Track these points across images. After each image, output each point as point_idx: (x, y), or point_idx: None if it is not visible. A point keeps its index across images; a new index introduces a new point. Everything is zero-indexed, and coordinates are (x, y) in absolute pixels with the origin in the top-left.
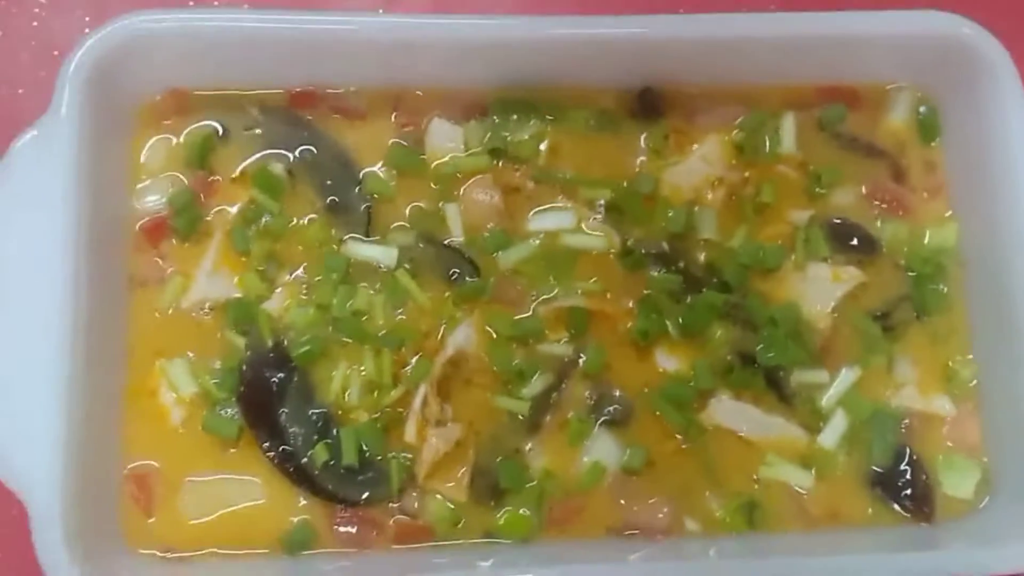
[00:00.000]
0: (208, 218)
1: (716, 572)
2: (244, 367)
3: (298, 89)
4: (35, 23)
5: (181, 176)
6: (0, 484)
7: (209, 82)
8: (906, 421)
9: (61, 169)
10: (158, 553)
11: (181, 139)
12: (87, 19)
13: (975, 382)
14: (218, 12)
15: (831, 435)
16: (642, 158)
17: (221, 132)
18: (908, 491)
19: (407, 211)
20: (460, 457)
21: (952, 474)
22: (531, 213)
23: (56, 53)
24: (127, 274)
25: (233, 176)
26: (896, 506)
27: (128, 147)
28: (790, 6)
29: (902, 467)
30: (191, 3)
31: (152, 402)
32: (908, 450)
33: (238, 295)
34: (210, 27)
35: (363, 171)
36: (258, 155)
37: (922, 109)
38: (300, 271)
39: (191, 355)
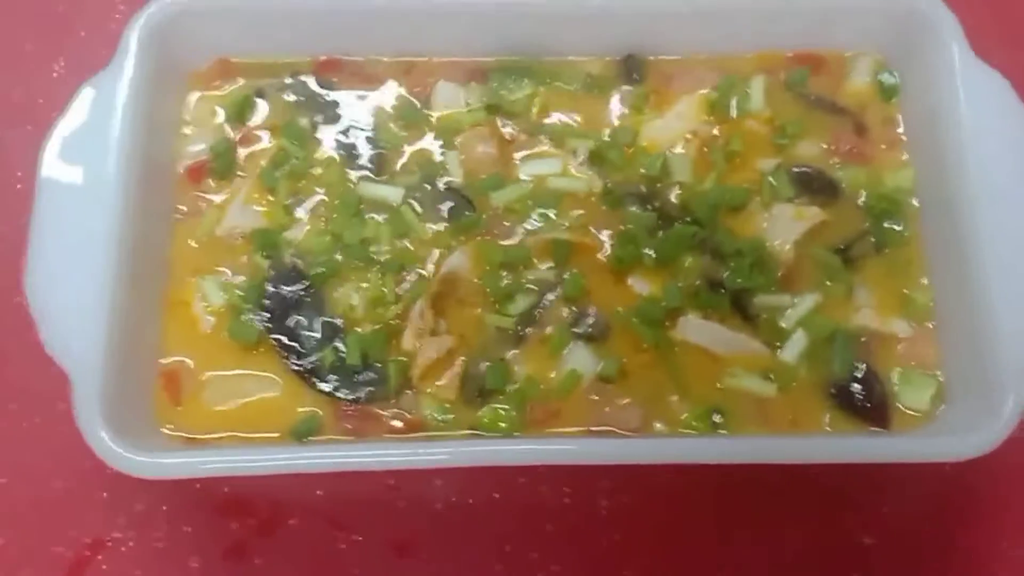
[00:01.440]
0: (242, 161)
1: (682, 449)
2: (267, 283)
3: (324, 57)
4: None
5: (223, 126)
6: (58, 400)
7: (250, 51)
8: (864, 339)
9: (117, 117)
10: (185, 435)
11: (223, 97)
12: None
13: (930, 305)
14: None
15: (791, 350)
16: (623, 112)
17: (258, 92)
18: (865, 401)
19: (413, 156)
20: (451, 363)
21: (908, 387)
22: (521, 159)
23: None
24: (172, 206)
25: (266, 128)
26: (854, 415)
27: (177, 102)
28: None
29: (859, 379)
30: None
31: (187, 311)
32: (865, 365)
33: (264, 225)
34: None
35: (376, 123)
36: (287, 110)
37: (883, 73)
38: (319, 205)
39: (224, 271)
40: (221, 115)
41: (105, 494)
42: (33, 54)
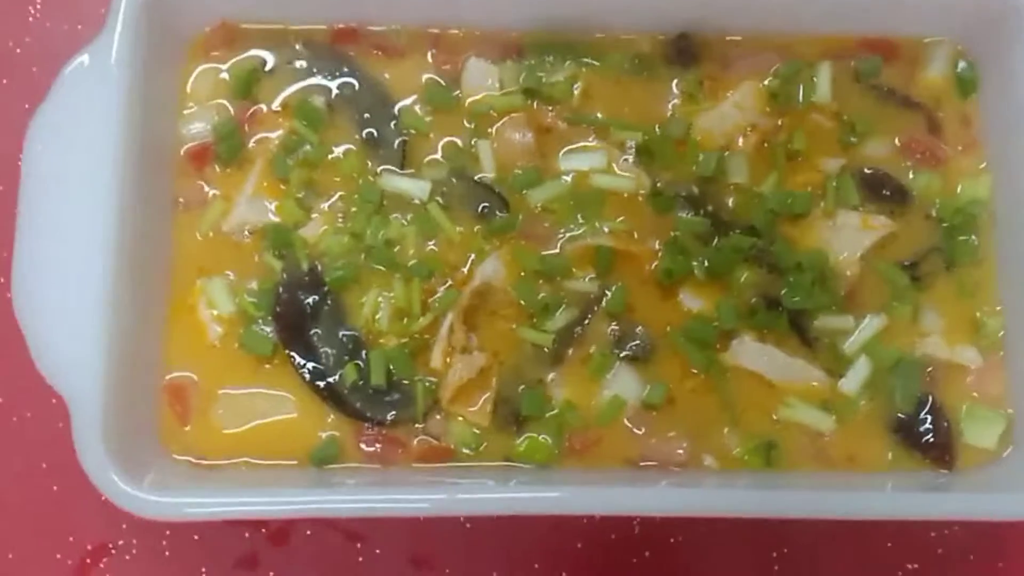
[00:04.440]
0: (250, 146)
1: (732, 500)
2: (280, 289)
3: (341, 25)
4: None
5: (226, 105)
6: (49, 392)
7: (256, 15)
8: (930, 369)
9: (111, 93)
10: (192, 459)
11: (227, 69)
12: None
13: (1002, 334)
14: None
15: (853, 380)
16: (675, 102)
17: (266, 64)
18: (929, 438)
19: (441, 147)
20: (484, 384)
21: (975, 424)
22: (562, 152)
23: None
24: (172, 196)
25: (275, 107)
26: (916, 452)
27: (176, 75)
28: None
29: (924, 415)
30: None
31: (192, 318)
32: (931, 398)
33: (276, 220)
34: None
35: (400, 106)
36: (300, 87)
37: (961, 64)
38: (336, 200)
39: (230, 275)
40: (225, 90)
41: (104, 496)
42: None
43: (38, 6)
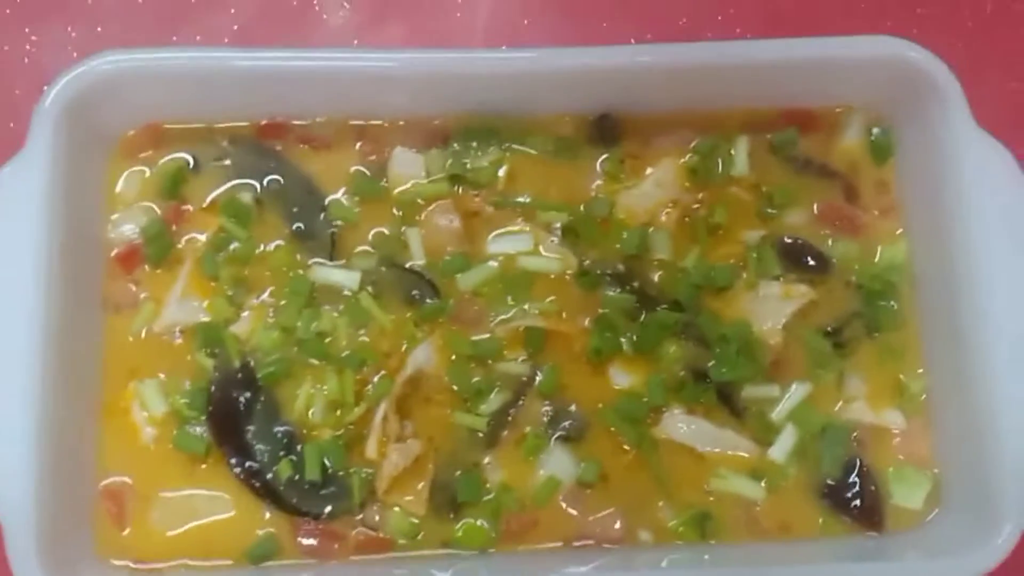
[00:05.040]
0: (179, 246)
1: None
2: (212, 387)
3: (266, 121)
4: (26, 59)
5: (154, 206)
6: None
7: (180, 116)
8: (856, 434)
9: (36, 200)
10: (131, 564)
11: (154, 170)
12: (75, 55)
13: (925, 396)
14: (188, 51)
15: (781, 448)
16: (598, 182)
17: (192, 163)
18: (858, 502)
19: (370, 236)
20: (420, 472)
21: (902, 485)
22: (490, 236)
23: (45, 88)
24: (102, 299)
25: (203, 205)
26: (846, 517)
27: (103, 179)
28: (746, 32)
29: (852, 479)
30: (174, 38)
31: (125, 420)
32: (858, 462)
33: (207, 319)
34: (180, 65)
35: (328, 198)
36: (227, 185)
37: (875, 131)
38: (267, 295)
39: (162, 376)
40: (152, 191)
41: None
42: None
43: None
